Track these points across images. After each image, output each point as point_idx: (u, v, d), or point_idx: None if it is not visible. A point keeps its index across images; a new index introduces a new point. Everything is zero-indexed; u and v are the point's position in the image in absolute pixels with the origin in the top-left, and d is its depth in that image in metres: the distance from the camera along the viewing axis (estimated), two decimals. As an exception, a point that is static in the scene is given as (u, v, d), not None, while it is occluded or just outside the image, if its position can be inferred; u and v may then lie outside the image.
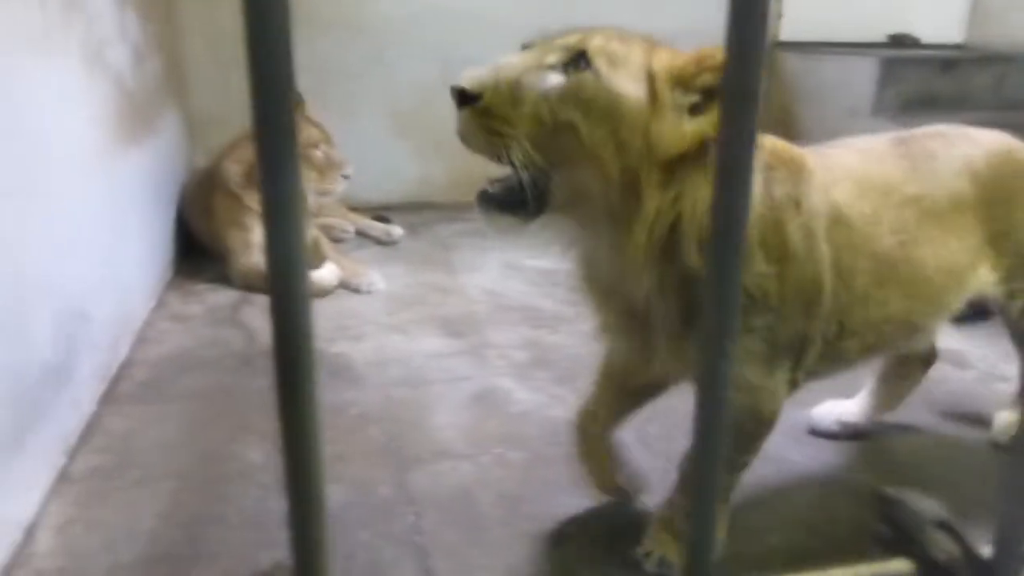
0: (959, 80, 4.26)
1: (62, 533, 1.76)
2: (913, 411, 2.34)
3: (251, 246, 3.21)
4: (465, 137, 1.32)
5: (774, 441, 2.16)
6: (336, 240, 3.74)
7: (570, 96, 1.26)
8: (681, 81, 1.27)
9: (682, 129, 1.26)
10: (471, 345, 2.75)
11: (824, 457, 2.10)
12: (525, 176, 1.27)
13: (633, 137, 1.25)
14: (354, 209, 4.05)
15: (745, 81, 0.38)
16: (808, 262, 1.43)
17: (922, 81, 4.17)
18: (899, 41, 4.90)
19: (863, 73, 4.12)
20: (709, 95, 1.26)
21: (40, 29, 2.03)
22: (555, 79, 1.28)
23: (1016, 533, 0.38)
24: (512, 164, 1.27)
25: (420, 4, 4.38)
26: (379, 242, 3.88)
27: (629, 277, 1.39)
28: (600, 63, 1.25)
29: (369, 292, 3.20)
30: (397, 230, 3.93)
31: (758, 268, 1.37)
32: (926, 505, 0.37)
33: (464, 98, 1.27)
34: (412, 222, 4.17)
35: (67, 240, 2.15)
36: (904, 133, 1.85)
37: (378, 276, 3.28)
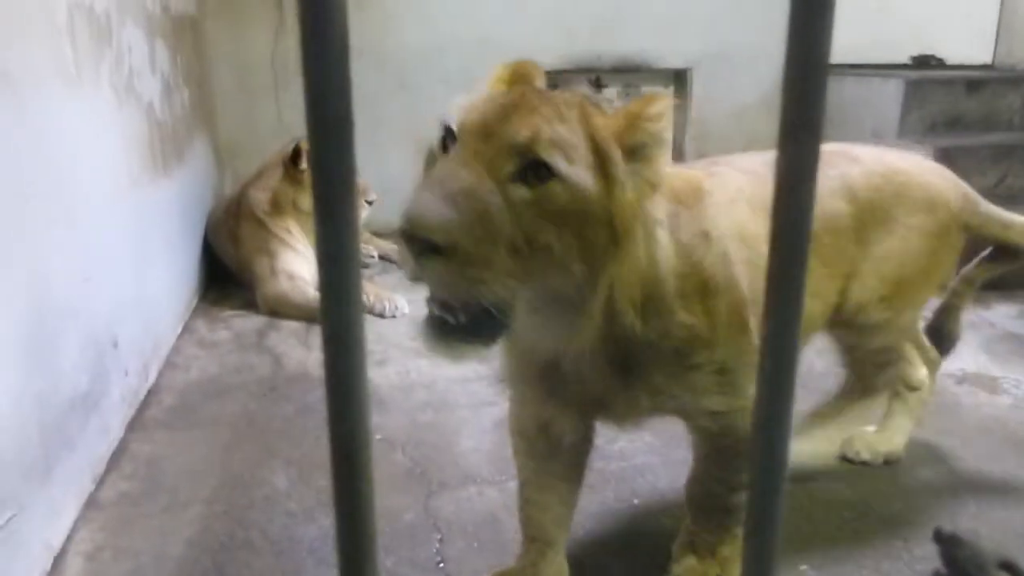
0: (985, 101, 4.23)
1: (91, 560, 1.77)
2: (946, 437, 2.30)
3: (277, 272, 3.24)
4: (437, 290, 1.13)
5: (803, 467, 2.13)
6: (361, 266, 3.76)
7: (542, 213, 1.11)
8: (625, 147, 1.18)
9: (631, 199, 1.19)
10: (494, 370, 2.74)
11: (857, 484, 2.06)
12: (494, 303, 1.10)
13: (599, 231, 1.16)
14: (378, 234, 4.08)
15: (806, 112, 0.37)
16: (731, 288, 1.40)
17: (947, 102, 4.14)
18: (923, 62, 4.88)
19: (888, 95, 4.10)
20: (640, 149, 1.18)
21: (71, 60, 2.08)
22: (521, 195, 1.10)
23: None
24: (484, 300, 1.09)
25: (444, 33, 4.43)
26: (401, 267, 3.90)
27: (573, 344, 1.32)
28: (559, 163, 1.11)
29: (394, 316, 3.21)
30: (420, 255, 3.94)
31: (680, 319, 1.34)
32: (987, 545, 0.36)
33: (428, 248, 1.03)
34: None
35: (96, 267, 2.18)
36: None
37: (403, 300, 3.29)
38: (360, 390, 0.36)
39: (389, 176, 4.29)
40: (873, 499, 1.99)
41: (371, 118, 4.38)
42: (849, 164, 1.75)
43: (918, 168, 1.90)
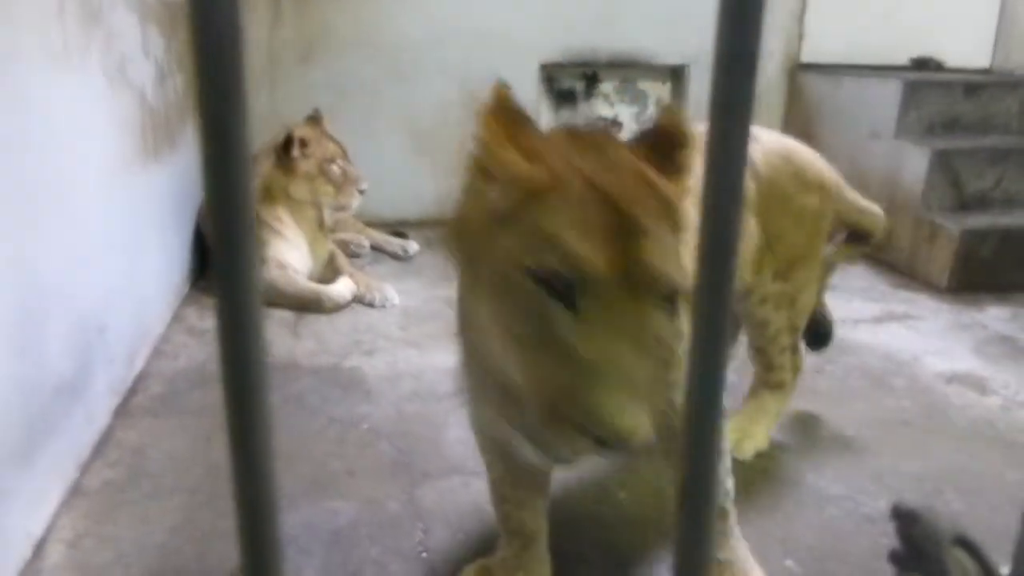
0: (983, 104, 4.22)
1: (73, 547, 1.76)
2: (934, 436, 2.29)
3: (267, 261, 3.22)
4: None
5: (791, 465, 2.13)
6: (352, 255, 3.75)
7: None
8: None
9: None
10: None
11: (841, 480, 2.06)
12: None
13: None
14: (371, 225, 4.07)
15: (737, 91, 0.36)
16: None
17: (945, 105, 4.13)
18: (922, 64, 4.87)
19: (886, 96, 4.08)
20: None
21: (60, 44, 2.06)
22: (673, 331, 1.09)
23: None
24: None
25: (439, 24, 4.42)
26: (395, 257, 3.89)
27: None
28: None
29: (384, 307, 3.20)
30: (413, 245, 3.94)
31: None
32: (944, 522, 0.35)
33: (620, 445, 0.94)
34: (429, 237, 4.17)
35: (85, 253, 2.16)
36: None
37: (393, 291, 3.28)
38: (256, 337, 0.34)
39: (385, 167, 4.28)
40: (859, 496, 1.99)
41: (365, 109, 4.37)
42: (751, 143, 1.76)
43: (809, 151, 2.01)
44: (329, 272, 3.39)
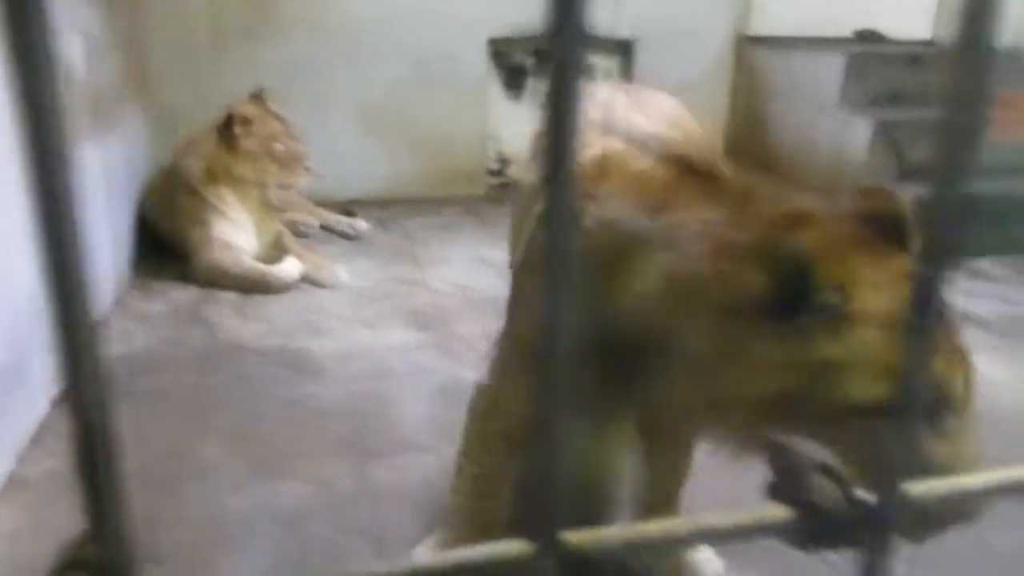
0: (924, 75, 4.29)
1: (11, 541, 1.71)
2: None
3: (212, 242, 3.16)
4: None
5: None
6: (301, 235, 3.69)
7: None
8: None
9: None
10: (438, 338, 2.73)
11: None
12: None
13: None
14: (321, 204, 4.00)
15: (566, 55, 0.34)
16: None
17: (889, 76, 4.19)
18: (865, 37, 4.93)
19: (830, 68, 4.13)
20: None
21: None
22: None
23: (894, 477, 0.36)
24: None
25: (391, 3, 4.35)
26: (344, 236, 3.84)
27: None
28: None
29: (333, 286, 3.16)
30: (361, 224, 3.89)
31: None
32: (810, 451, 0.36)
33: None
34: (380, 217, 4.13)
35: (19, 238, 2.09)
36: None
37: (343, 270, 3.24)
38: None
39: (335, 145, 4.22)
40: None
41: (316, 89, 4.29)
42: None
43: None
44: (277, 252, 3.33)
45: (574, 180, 0.32)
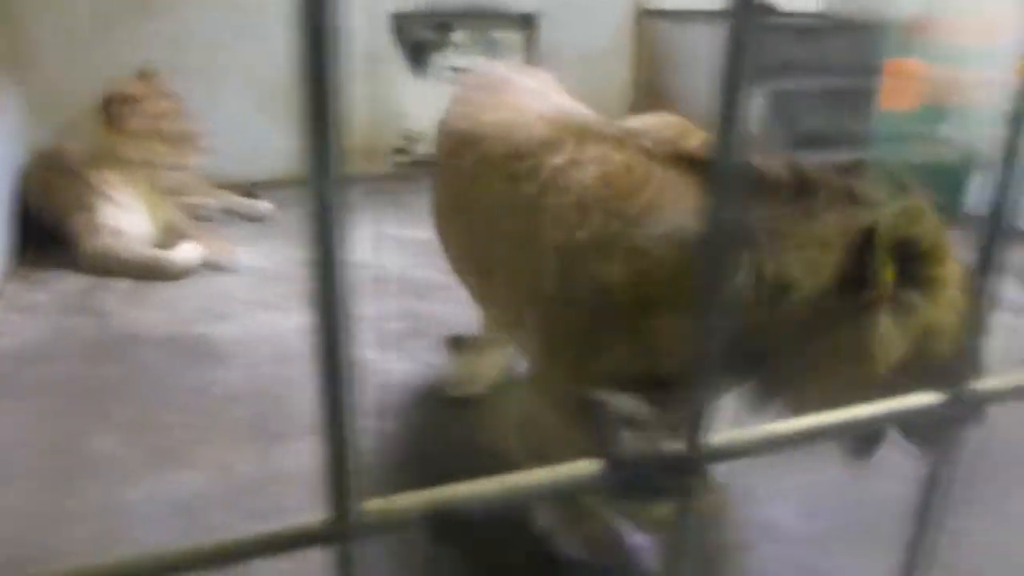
0: (816, 47, 4.44)
1: None
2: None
3: (99, 228, 3.01)
4: None
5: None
6: (201, 219, 3.57)
7: None
8: None
9: None
10: (342, 319, 2.68)
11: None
12: None
13: None
14: (221, 186, 3.87)
15: None
16: None
17: (780, 47, 4.32)
18: (759, 9, 5.06)
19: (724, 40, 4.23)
20: None
21: None
22: None
23: (703, 425, 0.38)
24: None
25: (282, -28, 4.21)
26: (246, 218, 3.73)
27: None
28: None
29: (234, 270, 3.07)
30: (265, 205, 3.79)
31: None
32: (622, 404, 0.37)
33: None
34: (283, 197, 4.03)
35: None
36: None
37: (244, 253, 3.15)
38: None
39: (232, 124, 4.08)
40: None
41: (210, 63, 4.13)
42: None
43: None
44: (173, 237, 3.21)
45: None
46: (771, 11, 5.03)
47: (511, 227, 1.44)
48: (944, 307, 1.13)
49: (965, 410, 0.40)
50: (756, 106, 3.95)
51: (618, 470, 0.39)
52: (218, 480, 1.80)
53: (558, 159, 1.37)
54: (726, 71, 0.34)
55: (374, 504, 0.36)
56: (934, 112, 4.16)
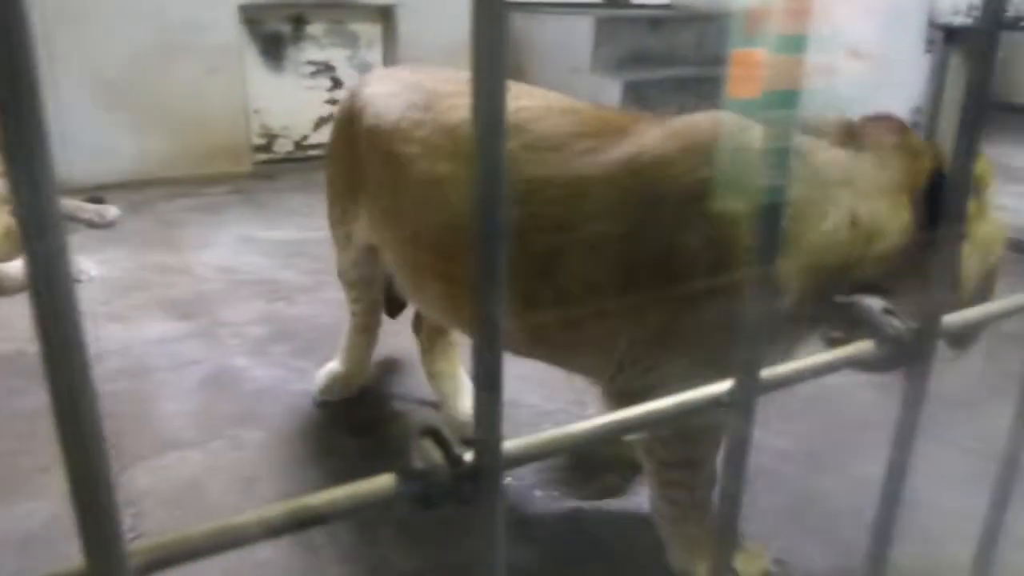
0: (666, 38, 4.61)
1: None
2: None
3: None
4: None
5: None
6: None
7: None
8: None
9: None
10: (201, 326, 2.58)
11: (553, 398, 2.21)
12: None
13: None
14: (63, 192, 3.62)
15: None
16: None
17: (634, 39, 4.46)
18: (613, 2, 5.21)
19: (581, 32, 4.33)
20: None
21: None
22: None
23: (494, 432, 0.39)
24: None
25: (119, -39, 3.97)
26: (92, 225, 3.51)
27: None
28: None
29: (79, 281, 2.89)
30: (112, 211, 3.57)
31: None
32: (419, 415, 0.38)
33: None
34: (132, 201, 3.82)
35: None
36: None
37: (90, 263, 2.97)
38: None
39: (70, 124, 3.83)
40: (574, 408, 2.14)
41: (42, 60, 3.85)
42: None
43: None
44: (7, 247, 2.98)
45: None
46: (625, 4, 5.18)
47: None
48: (991, 228, 1.40)
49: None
50: (614, 96, 4.07)
51: (412, 483, 0.39)
52: (66, 510, 1.69)
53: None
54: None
55: (140, 546, 0.34)
56: (777, 97, 4.41)
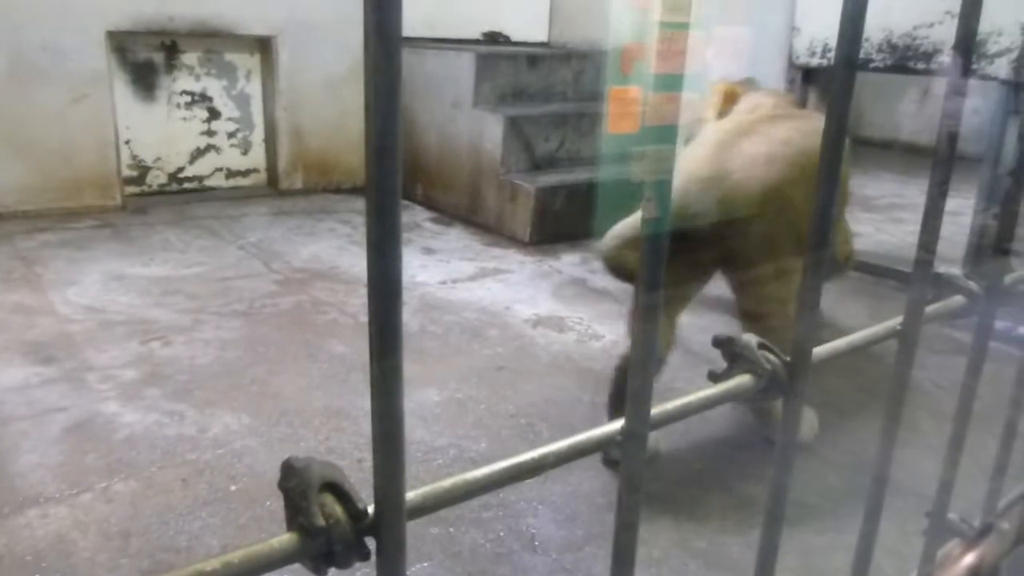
0: (544, 74, 4.73)
1: None
2: (523, 376, 2.54)
3: None
4: None
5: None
6: None
7: None
8: None
9: None
10: (66, 371, 2.42)
11: (447, 432, 2.19)
12: None
13: None
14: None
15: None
16: None
17: (513, 75, 4.55)
18: (493, 38, 5.31)
19: (463, 68, 4.38)
20: None
21: None
22: None
23: (395, 485, 0.39)
24: None
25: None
26: (-60, 265, 3.25)
27: None
28: None
29: (-74, 325, 2.66)
30: (-37, 249, 3.32)
31: None
32: (317, 468, 0.37)
33: None
34: (-12, 237, 3.57)
35: None
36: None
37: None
38: None
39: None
40: (464, 442, 2.14)
41: None
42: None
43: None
44: None
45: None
46: (505, 40, 5.29)
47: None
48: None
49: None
50: (495, 130, 4.13)
51: (315, 541, 0.38)
52: (-90, 576, 1.54)
53: None
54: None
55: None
56: (651, 133, 4.60)
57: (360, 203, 4.74)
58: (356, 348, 2.65)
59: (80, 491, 1.83)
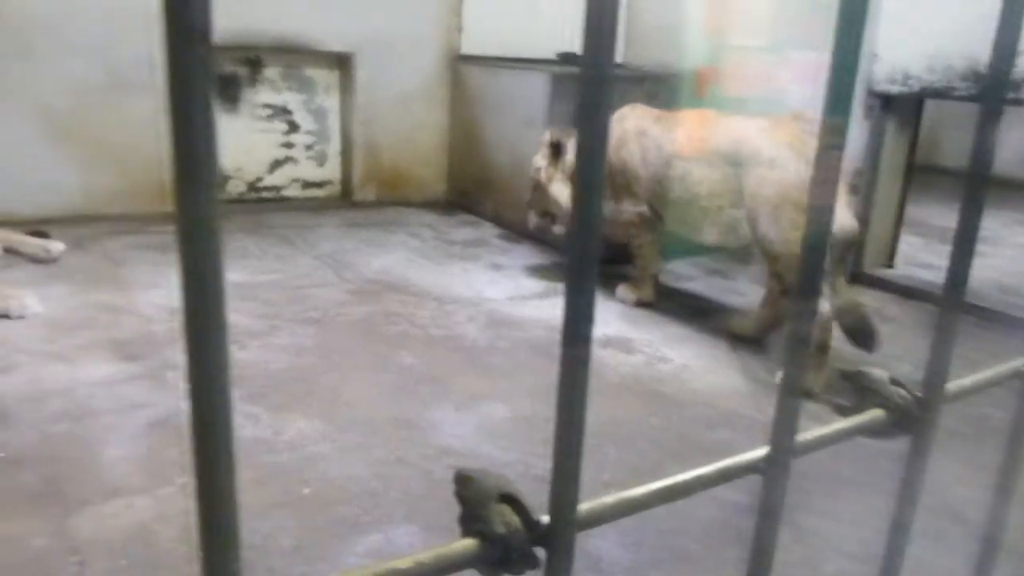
0: (618, 95, 4.74)
1: None
2: (592, 395, 2.54)
3: None
4: None
5: (468, 437, 2.22)
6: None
7: None
8: None
9: None
10: (149, 368, 2.51)
11: (514, 447, 2.20)
12: None
13: None
14: (6, 224, 3.52)
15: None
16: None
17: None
18: (568, 59, 5.35)
19: (537, 87, 4.42)
20: None
21: None
22: None
23: (569, 498, 0.40)
24: None
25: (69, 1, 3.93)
26: (36, 260, 3.41)
27: None
28: None
29: (21, 317, 2.79)
30: (57, 246, 3.47)
31: None
32: (493, 480, 0.39)
33: None
34: (78, 236, 3.73)
35: None
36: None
37: (33, 298, 2.87)
38: None
39: (15, 157, 3.74)
40: (530, 459, 2.14)
41: (-14, 90, 3.77)
42: None
43: None
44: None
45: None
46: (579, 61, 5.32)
47: None
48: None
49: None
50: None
51: (491, 547, 0.40)
52: (8, 557, 1.61)
53: None
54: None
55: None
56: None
57: (431, 217, 4.81)
58: (425, 360, 2.69)
59: (161, 485, 1.90)
